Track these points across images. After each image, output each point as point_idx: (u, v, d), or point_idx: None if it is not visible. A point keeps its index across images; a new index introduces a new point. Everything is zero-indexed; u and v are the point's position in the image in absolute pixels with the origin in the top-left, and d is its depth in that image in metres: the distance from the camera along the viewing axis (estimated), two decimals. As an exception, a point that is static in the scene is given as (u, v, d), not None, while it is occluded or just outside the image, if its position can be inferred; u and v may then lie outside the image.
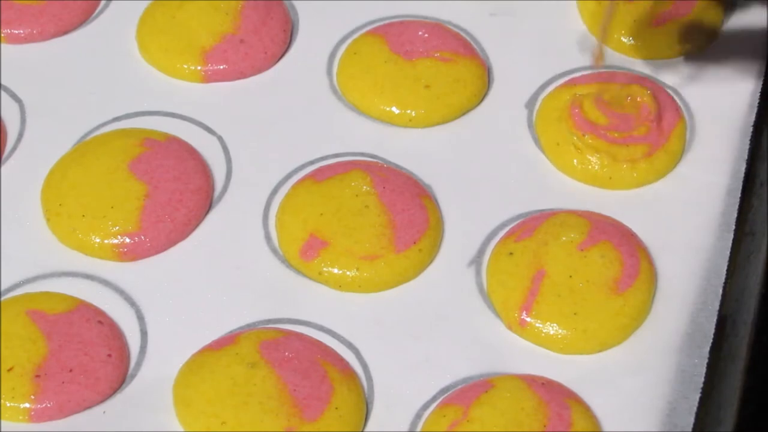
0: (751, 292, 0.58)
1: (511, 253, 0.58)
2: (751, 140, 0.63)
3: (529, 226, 0.59)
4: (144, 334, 0.57)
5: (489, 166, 0.63)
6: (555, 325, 0.56)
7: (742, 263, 0.59)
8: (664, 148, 0.62)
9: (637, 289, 0.57)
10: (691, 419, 0.53)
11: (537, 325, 0.56)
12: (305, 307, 0.58)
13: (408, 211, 0.60)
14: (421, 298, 0.58)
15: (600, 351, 0.56)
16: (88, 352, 0.55)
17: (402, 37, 0.68)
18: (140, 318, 0.58)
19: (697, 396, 0.54)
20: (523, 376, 0.54)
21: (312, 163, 0.64)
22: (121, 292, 0.59)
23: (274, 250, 0.60)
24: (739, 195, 0.61)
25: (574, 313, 0.56)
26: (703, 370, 0.55)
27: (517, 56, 0.68)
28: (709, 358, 0.55)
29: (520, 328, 0.56)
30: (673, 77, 0.66)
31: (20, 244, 0.61)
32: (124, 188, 0.61)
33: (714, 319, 0.56)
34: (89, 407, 0.55)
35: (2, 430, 0.54)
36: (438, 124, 0.65)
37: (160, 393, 0.55)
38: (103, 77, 0.68)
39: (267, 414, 0.53)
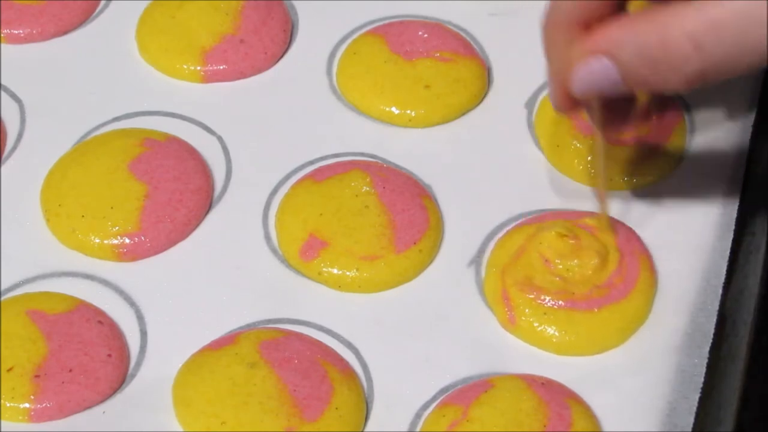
0: (750, 292, 0.58)
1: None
2: (751, 140, 0.63)
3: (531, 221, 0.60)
4: (144, 334, 0.57)
5: (489, 166, 0.63)
6: (546, 325, 0.56)
7: (741, 263, 0.59)
8: (664, 147, 0.62)
9: (634, 297, 0.57)
10: (691, 419, 0.53)
11: (525, 323, 0.56)
12: (305, 307, 0.58)
13: (408, 211, 0.60)
14: (421, 298, 0.58)
15: (596, 353, 0.56)
16: (88, 352, 0.55)
17: (402, 37, 0.68)
18: (140, 318, 0.58)
19: (697, 396, 0.54)
20: (523, 376, 0.54)
21: (312, 163, 0.64)
22: (121, 292, 0.59)
23: (273, 250, 0.60)
24: (739, 195, 0.61)
25: (544, 314, 0.56)
26: (703, 370, 0.55)
27: (517, 56, 0.68)
28: (709, 358, 0.55)
29: (510, 325, 0.56)
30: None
31: (20, 244, 0.61)
32: (124, 188, 0.61)
33: (714, 319, 0.56)
34: (89, 407, 0.55)
35: (2, 430, 0.54)
36: (438, 124, 0.65)
37: (159, 393, 0.55)
38: (103, 77, 0.68)
39: (267, 414, 0.53)
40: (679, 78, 0.49)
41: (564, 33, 0.52)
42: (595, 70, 0.50)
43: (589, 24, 0.51)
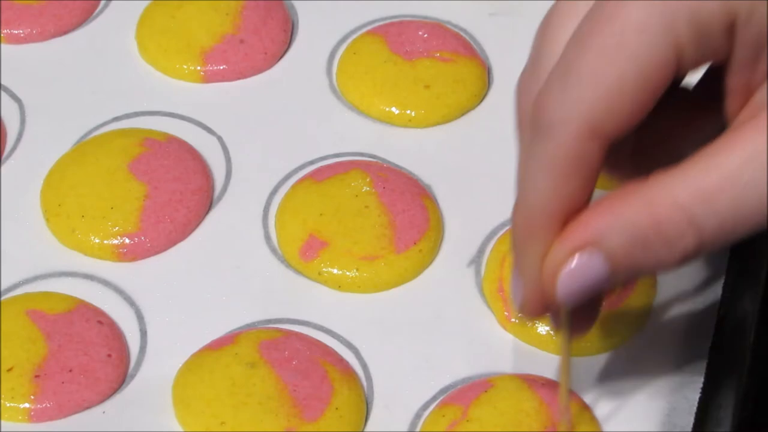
0: (750, 292, 0.58)
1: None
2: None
3: None
4: (144, 334, 0.57)
5: (489, 166, 0.63)
6: (543, 324, 0.56)
7: (742, 263, 0.59)
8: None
9: (634, 297, 0.57)
10: (691, 419, 0.53)
11: (521, 321, 0.56)
12: (305, 307, 0.58)
13: (408, 212, 0.60)
14: (421, 298, 0.58)
15: (595, 354, 0.56)
16: (88, 352, 0.55)
17: (402, 37, 0.68)
18: (140, 318, 0.58)
19: (697, 396, 0.54)
20: (523, 376, 0.54)
21: (312, 163, 0.64)
22: (121, 292, 0.59)
23: (273, 250, 0.60)
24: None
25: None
26: (703, 370, 0.55)
27: (517, 56, 0.68)
28: (709, 358, 0.55)
29: (507, 322, 0.56)
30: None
31: (20, 244, 0.60)
32: (124, 188, 0.61)
33: (714, 319, 0.56)
34: (89, 407, 0.55)
35: (2, 430, 0.54)
36: (438, 124, 0.65)
37: (159, 393, 0.55)
38: (103, 77, 0.68)
39: (267, 414, 0.53)
40: (674, 256, 0.43)
41: (540, 232, 0.45)
42: (583, 267, 0.44)
43: (565, 219, 0.45)
